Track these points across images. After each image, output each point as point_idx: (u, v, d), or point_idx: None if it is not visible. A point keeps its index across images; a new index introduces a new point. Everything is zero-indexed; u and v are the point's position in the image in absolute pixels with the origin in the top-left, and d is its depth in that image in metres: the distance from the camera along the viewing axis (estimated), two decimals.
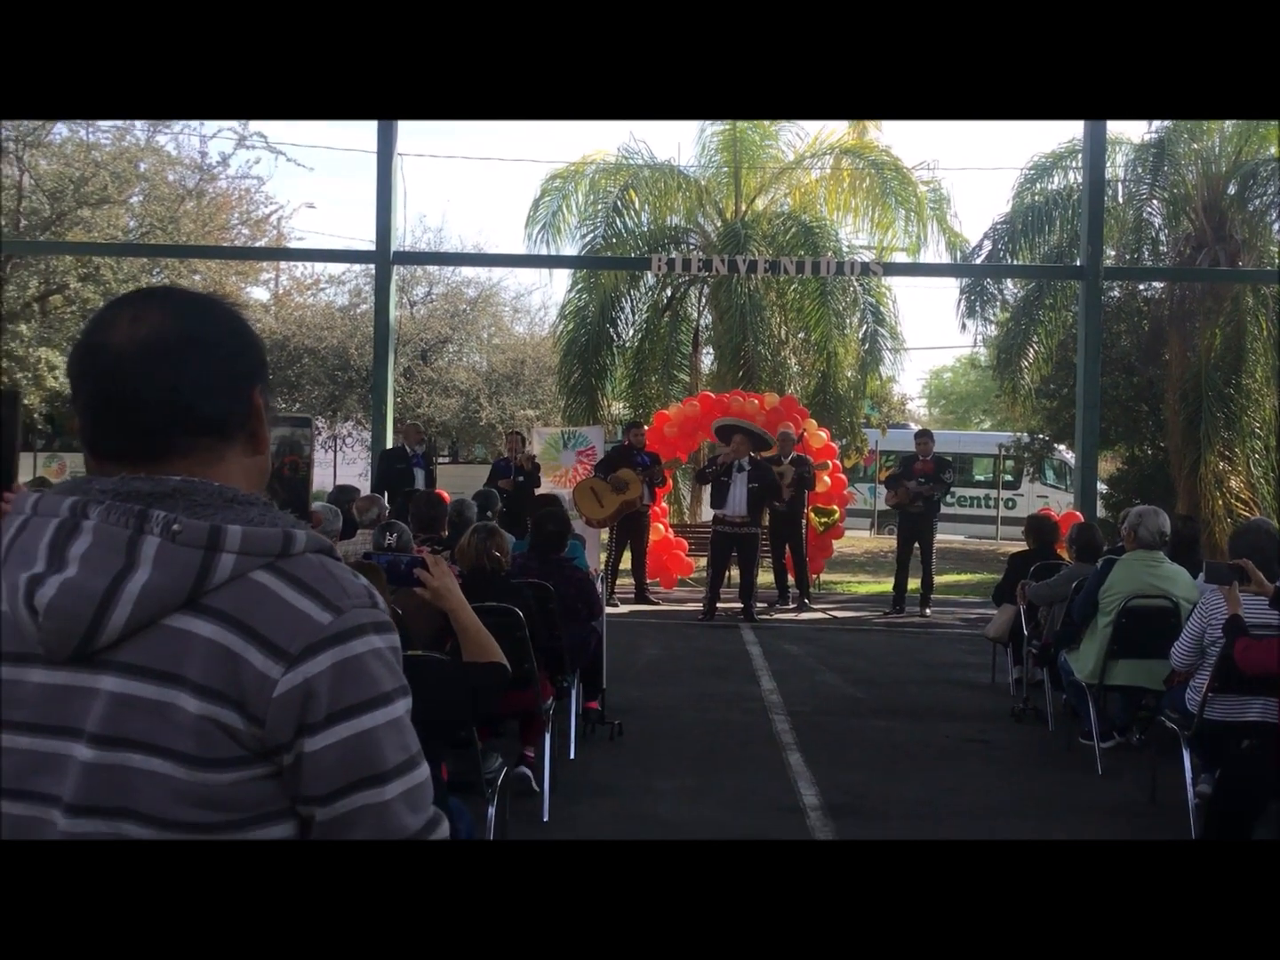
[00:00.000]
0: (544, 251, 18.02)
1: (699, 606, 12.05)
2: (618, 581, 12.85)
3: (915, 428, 19.63)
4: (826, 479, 13.65)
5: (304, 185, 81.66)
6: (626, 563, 12.94)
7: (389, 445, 12.63)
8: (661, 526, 14.00)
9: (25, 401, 17.32)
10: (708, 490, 12.61)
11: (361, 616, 1.29)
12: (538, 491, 11.41)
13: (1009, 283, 17.94)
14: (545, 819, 5.53)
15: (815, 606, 12.89)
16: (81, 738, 1.25)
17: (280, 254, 23.60)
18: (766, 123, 17.87)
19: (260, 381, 1.39)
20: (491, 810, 4.46)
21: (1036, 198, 17.00)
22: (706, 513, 14.99)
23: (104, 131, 18.83)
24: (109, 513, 1.26)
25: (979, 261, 17.23)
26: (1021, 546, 9.00)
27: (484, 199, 79.92)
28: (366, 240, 18.80)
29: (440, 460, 20.18)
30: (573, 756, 6.58)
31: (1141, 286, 18.48)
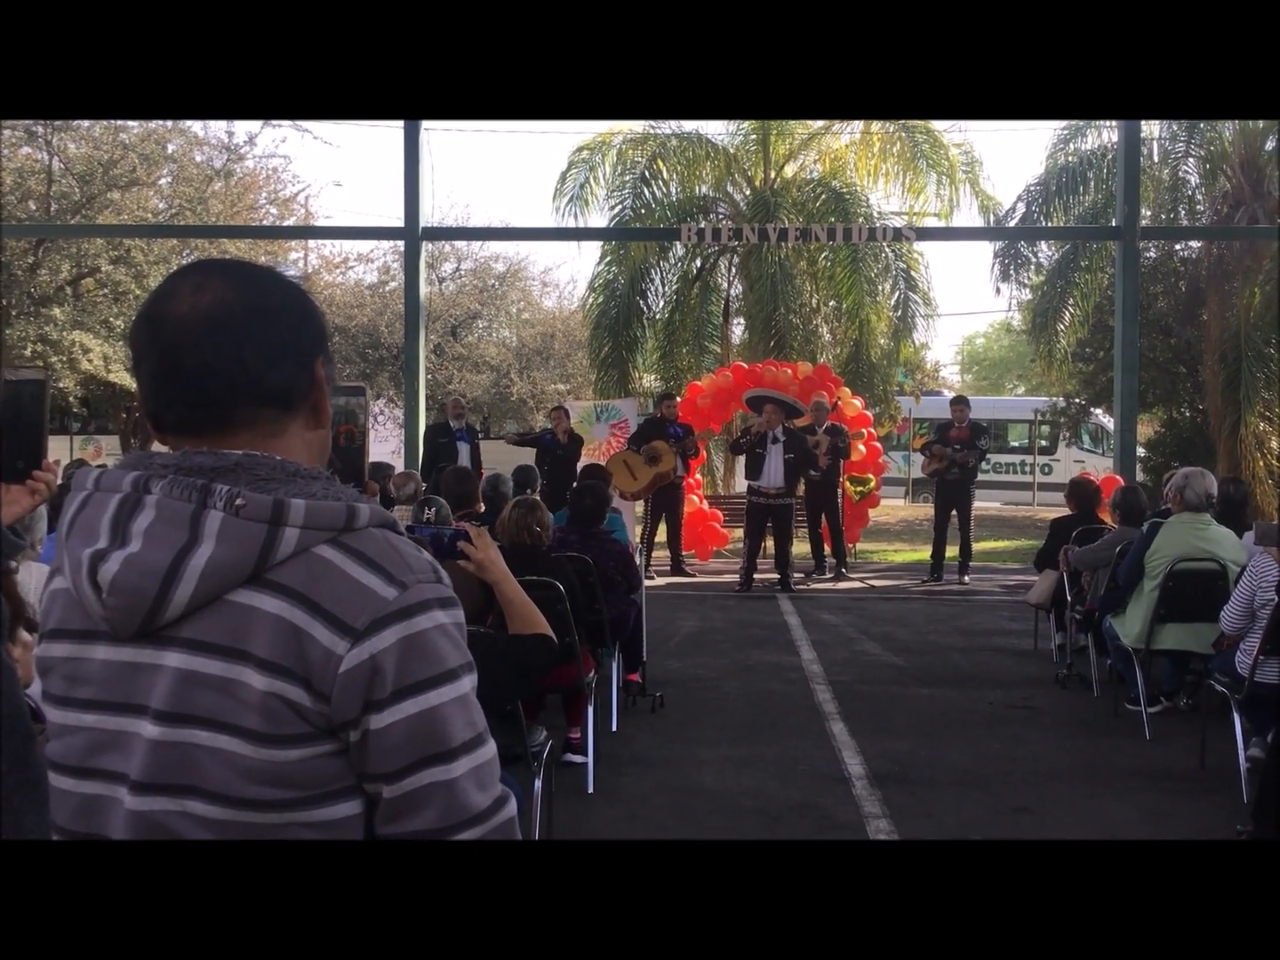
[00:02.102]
0: (572, 224, 17.93)
1: (735, 578, 12.01)
2: (654, 554, 12.83)
3: (949, 395, 19.51)
4: (861, 447, 13.57)
5: (331, 163, 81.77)
6: (662, 535, 12.92)
7: (422, 422, 12.63)
8: (696, 498, 13.97)
9: (61, 385, 17.43)
10: (742, 461, 12.57)
11: (426, 591, 1.27)
12: (581, 463, 11.35)
13: (1043, 245, 17.72)
14: (590, 790, 5.53)
15: (852, 576, 12.84)
16: (147, 714, 1.25)
17: (308, 232, 23.57)
18: None
19: (322, 353, 1.37)
20: (538, 783, 4.46)
21: (1070, 158, 16.77)
22: (740, 483, 14.96)
23: None
24: (171, 487, 1.25)
25: (1013, 224, 17.03)
26: (1060, 511, 8.91)
27: (511, 173, 79.84)
28: (394, 217, 18.77)
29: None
30: (615, 729, 6.57)
31: (1178, 246, 18.23)
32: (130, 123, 18.79)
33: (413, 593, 1.25)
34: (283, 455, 1.30)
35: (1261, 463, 15.30)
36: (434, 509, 5.60)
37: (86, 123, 18.72)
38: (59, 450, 20.11)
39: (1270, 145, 16.10)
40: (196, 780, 1.22)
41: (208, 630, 1.22)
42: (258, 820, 1.22)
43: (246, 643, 1.21)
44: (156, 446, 1.37)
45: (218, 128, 20.03)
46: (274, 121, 19.25)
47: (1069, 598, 7.90)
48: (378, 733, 1.22)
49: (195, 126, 19.71)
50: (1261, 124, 15.94)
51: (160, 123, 19.08)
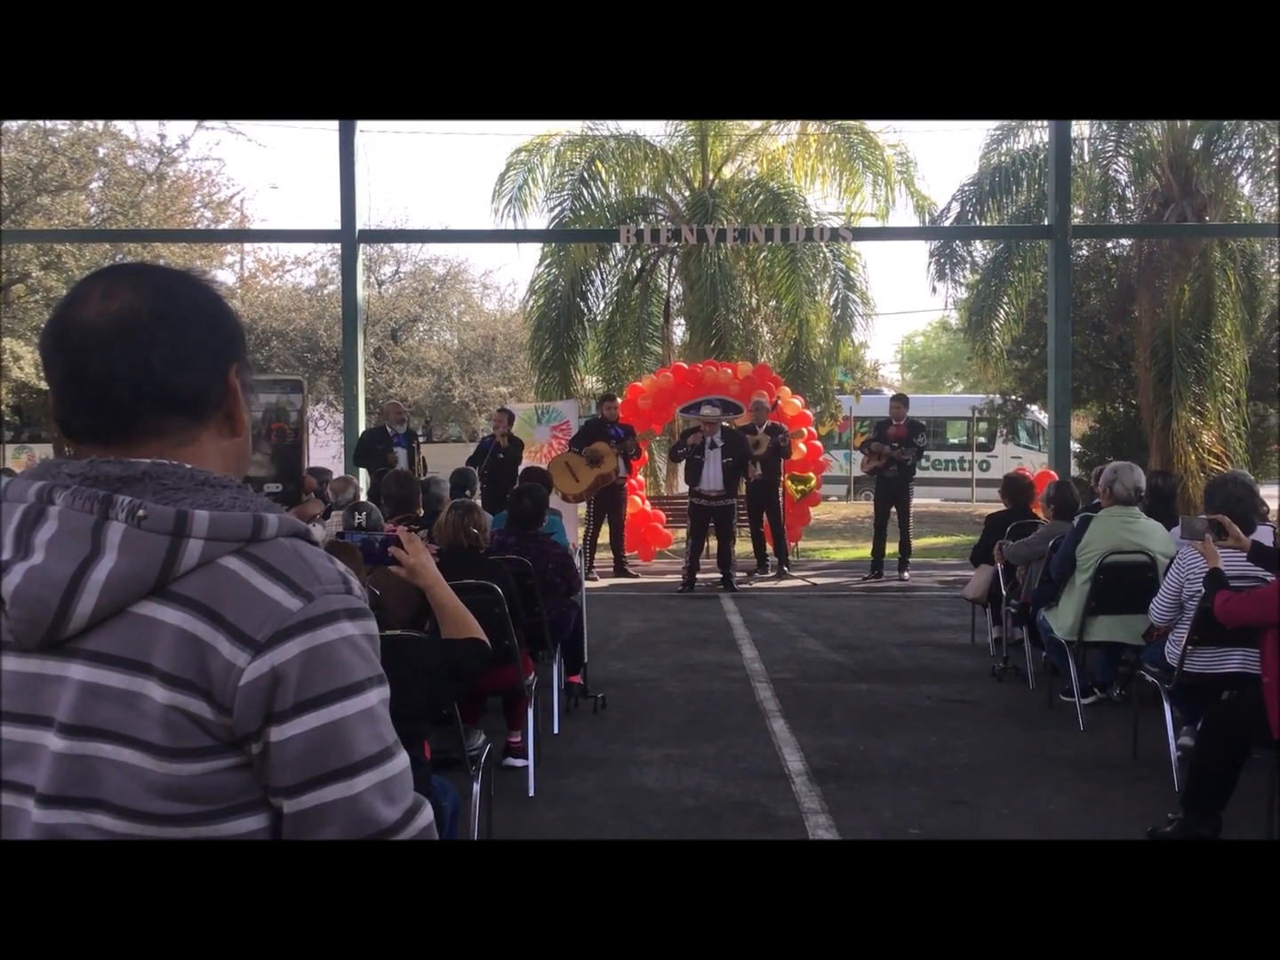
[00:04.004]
0: (511, 226, 17.89)
1: (678, 578, 12.05)
2: (596, 555, 12.83)
3: (889, 393, 19.69)
4: (802, 446, 13.65)
5: (266, 167, 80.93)
6: (605, 537, 12.93)
7: (362, 426, 12.55)
8: (639, 499, 13.99)
9: None
10: (683, 464, 12.63)
11: (334, 602, 1.26)
12: (522, 466, 11.31)
13: (978, 244, 17.96)
14: (531, 793, 5.53)
15: (794, 574, 12.92)
16: (52, 727, 1.23)
17: (244, 236, 23.36)
18: None
19: (237, 360, 1.35)
20: (476, 787, 4.45)
21: (1003, 158, 17.01)
22: (682, 484, 15.02)
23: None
24: (74, 498, 1.23)
25: (947, 224, 17.23)
26: (997, 507, 9.03)
27: (449, 175, 79.45)
28: (332, 220, 18.64)
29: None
30: (557, 731, 6.57)
31: (1110, 244, 18.54)
32: (60, 125, 18.51)
33: (319, 604, 1.24)
34: (194, 464, 1.29)
35: (1193, 456, 15.59)
36: (365, 514, 5.57)
37: (15, 125, 18.40)
38: None
39: (1198, 144, 16.42)
40: (101, 794, 1.20)
41: (111, 642, 1.21)
42: (162, 835, 1.21)
43: (149, 655, 1.20)
44: None
45: (150, 131, 19.82)
46: (207, 123, 19.04)
47: (1004, 592, 8.01)
48: (278, 745, 1.21)
49: (127, 129, 19.46)
50: (1189, 123, 16.25)
51: (91, 126, 18.80)
